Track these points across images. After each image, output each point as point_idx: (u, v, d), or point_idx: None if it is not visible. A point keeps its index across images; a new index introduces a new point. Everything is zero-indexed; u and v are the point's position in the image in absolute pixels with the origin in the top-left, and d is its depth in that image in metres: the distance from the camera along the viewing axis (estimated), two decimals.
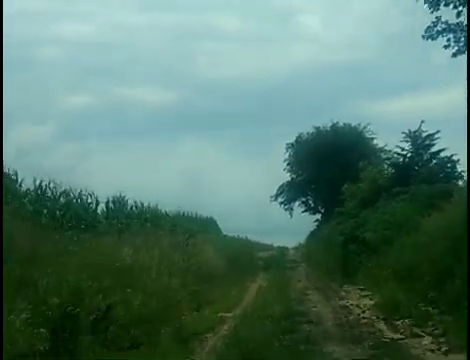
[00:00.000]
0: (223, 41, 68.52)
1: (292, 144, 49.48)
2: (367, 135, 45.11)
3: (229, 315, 12.52)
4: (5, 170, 13.90)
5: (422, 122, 25.37)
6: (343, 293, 15.77)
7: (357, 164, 36.36)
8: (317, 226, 50.03)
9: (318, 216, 50.82)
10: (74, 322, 8.58)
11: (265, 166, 57.69)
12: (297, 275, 22.82)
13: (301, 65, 66.50)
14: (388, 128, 50.58)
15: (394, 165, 26.09)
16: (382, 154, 41.35)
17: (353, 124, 45.14)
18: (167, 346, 9.04)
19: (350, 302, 13.55)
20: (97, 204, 18.52)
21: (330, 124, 45.37)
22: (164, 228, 23.22)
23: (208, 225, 37.92)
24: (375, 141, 44.56)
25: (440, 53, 15.06)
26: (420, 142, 25.31)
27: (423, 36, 15.38)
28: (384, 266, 15.97)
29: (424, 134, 24.90)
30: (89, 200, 18.43)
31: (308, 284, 18.84)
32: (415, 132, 25.32)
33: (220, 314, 12.65)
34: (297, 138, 49.02)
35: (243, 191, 56.57)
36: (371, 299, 13.68)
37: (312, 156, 45.72)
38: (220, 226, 42.95)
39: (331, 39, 67.53)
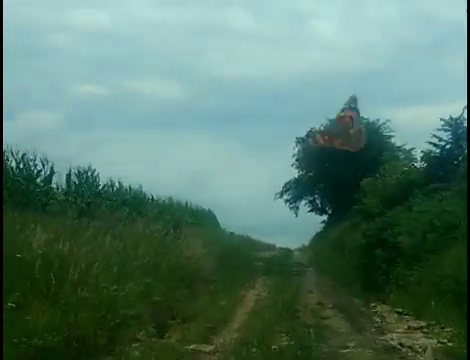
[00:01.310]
0: (236, 39, 65.76)
1: (302, 139, 44.35)
2: (385, 132, 39.84)
3: (206, 350, 7.59)
4: None
5: (465, 108, 20.25)
6: (377, 319, 10.67)
7: (373, 163, 32.71)
8: (324, 228, 45.42)
9: (324, 217, 46.27)
10: None
11: (271, 165, 54.70)
12: (306, 283, 17.83)
13: (312, 68, 62.81)
14: (398, 136, 45.87)
15: (428, 158, 21.01)
16: (400, 154, 36.82)
17: (371, 119, 39.83)
18: None
19: (398, 339, 8.22)
20: (51, 174, 13.61)
21: None
22: (145, 214, 18.55)
23: (204, 218, 33.13)
24: (392, 140, 39.30)
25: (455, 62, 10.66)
26: (461, 132, 20.22)
27: None
28: (432, 282, 11.12)
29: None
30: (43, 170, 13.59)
31: (323, 298, 13.85)
32: (457, 119, 20.22)
33: (191, 346, 7.72)
34: (308, 132, 43.84)
35: (247, 189, 52.86)
36: (428, 334, 8.66)
37: (323, 152, 40.47)
38: (221, 223, 38.06)
39: (344, 44, 63.87)
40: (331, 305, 12.61)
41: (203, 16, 65.07)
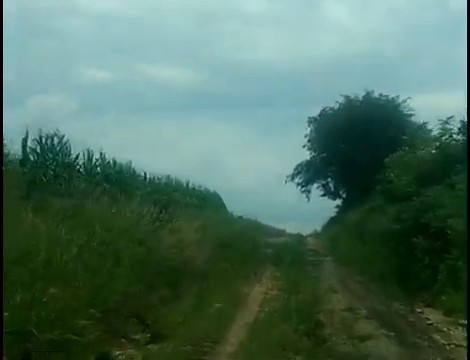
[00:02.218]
0: (247, 23, 60.89)
1: (315, 118, 40.52)
2: (405, 111, 35.88)
3: None
4: None
5: None
6: (437, 336, 7.15)
7: (391, 142, 28.47)
8: (337, 213, 41.80)
9: (338, 202, 42.61)
10: None
11: (281, 150, 50.86)
12: (326, 277, 14.21)
13: (323, 52, 57.55)
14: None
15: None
16: (421, 133, 32.77)
17: (390, 96, 35.90)
18: None
19: None
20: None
21: (363, 94, 36.31)
22: (132, 193, 15.14)
23: (208, 199, 29.53)
24: (413, 118, 35.33)
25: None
26: None
27: None
28: None
29: None
30: None
31: (352, 300, 10.25)
32: None
33: None
34: (321, 111, 40.01)
35: (257, 173, 50.25)
36: None
37: (338, 131, 36.86)
38: (229, 207, 34.33)
39: (356, 29, 58.69)
40: (366, 312, 9.05)
41: (213, 0, 60.47)
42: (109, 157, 16.58)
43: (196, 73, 60.74)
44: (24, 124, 11.97)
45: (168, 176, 23.15)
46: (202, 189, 29.64)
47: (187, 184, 26.35)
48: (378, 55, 55.55)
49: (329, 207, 40.86)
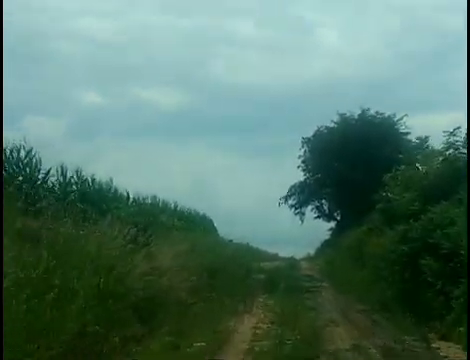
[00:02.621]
0: (239, 47, 61.32)
1: (309, 138, 39.33)
2: (401, 129, 34.70)
3: None
4: None
5: None
6: None
7: (388, 161, 27.88)
8: (331, 235, 40.38)
9: (332, 224, 41.26)
10: None
11: (274, 174, 51.25)
12: (324, 306, 12.63)
13: (315, 77, 57.85)
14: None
15: None
16: (420, 150, 31.37)
17: (387, 113, 34.74)
18: None
19: None
20: None
21: (358, 112, 35.09)
22: (113, 213, 13.73)
23: (196, 222, 28.02)
24: (409, 137, 34.15)
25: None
26: None
27: None
28: None
29: None
30: None
31: (357, 335, 8.71)
32: None
33: None
34: (316, 131, 38.89)
35: (249, 197, 49.86)
36: None
37: (332, 150, 35.72)
38: (221, 231, 32.79)
39: (347, 53, 59.15)
40: (375, 351, 7.55)
41: (206, 24, 60.31)
42: (87, 175, 15.23)
43: (187, 97, 60.31)
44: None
45: (154, 196, 21.73)
46: (191, 211, 28.19)
47: (175, 206, 24.91)
48: (371, 78, 55.54)
49: (322, 230, 39.81)
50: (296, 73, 58.57)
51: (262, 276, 18.58)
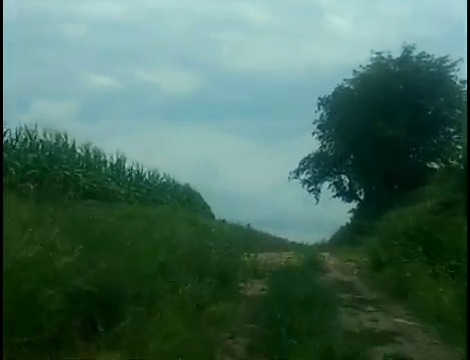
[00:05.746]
0: (248, 32, 59.05)
1: (327, 98, 30.10)
2: (452, 79, 25.20)
3: None
4: None
5: None
6: None
7: (439, 117, 21.98)
8: (354, 217, 31.29)
9: (353, 204, 32.43)
10: None
11: (280, 159, 46.79)
12: None
13: (324, 63, 54.79)
14: None
15: None
16: None
17: (436, 56, 25.29)
18: None
19: None
20: None
21: (400, 52, 25.72)
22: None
23: (181, 197, 19.56)
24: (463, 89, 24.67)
25: None
26: None
27: None
28: None
29: None
30: None
31: None
32: None
33: None
34: (336, 89, 29.62)
35: (255, 182, 45.17)
36: None
37: (361, 108, 26.91)
38: (225, 215, 24.51)
39: (358, 41, 55.41)
40: None
41: (217, 8, 58.96)
42: None
43: (197, 81, 58.21)
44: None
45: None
46: (178, 185, 20.42)
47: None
48: None
49: (340, 212, 31.92)
50: (305, 59, 57.55)
51: (259, 288, 9.53)
